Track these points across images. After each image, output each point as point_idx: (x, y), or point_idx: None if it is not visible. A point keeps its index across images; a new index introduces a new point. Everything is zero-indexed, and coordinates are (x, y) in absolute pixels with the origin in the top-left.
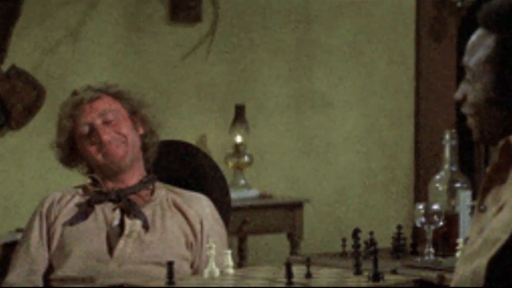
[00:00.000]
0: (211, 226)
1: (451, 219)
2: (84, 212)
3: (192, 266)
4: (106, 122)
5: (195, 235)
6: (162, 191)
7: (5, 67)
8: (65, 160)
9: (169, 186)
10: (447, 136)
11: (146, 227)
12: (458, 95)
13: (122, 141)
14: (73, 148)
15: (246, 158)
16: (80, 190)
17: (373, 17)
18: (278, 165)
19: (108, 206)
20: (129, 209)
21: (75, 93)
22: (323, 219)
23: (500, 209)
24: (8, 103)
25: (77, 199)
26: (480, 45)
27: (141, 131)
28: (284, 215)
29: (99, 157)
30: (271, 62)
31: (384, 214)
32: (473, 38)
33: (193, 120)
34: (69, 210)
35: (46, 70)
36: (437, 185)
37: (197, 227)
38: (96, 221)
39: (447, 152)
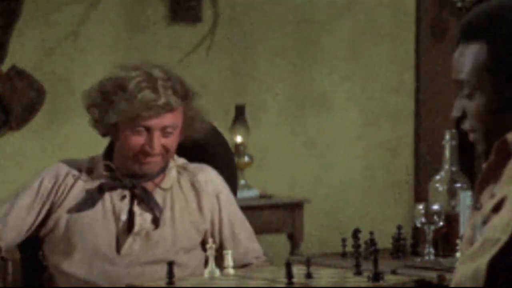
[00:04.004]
0: (226, 200)
1: (451, 219)
2: (91, 199)
3: (220, 246)
4: (163, 132)
5: (212, 220)
6: (173, 173)
7: (5, 67)
8: (92, 116)
9: (178, 163)
10: (447, 137)
11: (156, 223)
12: (456, 112)
13: (163, 154)
14: (104, 123)
15: (246, 158)
16: (86, 167)
17: (373, 17)
18: (278, 165)
19: (116, 193)
20: (143, 199)
21: (148, 81)
22: (323, 219)
23: (497, 206)
24: (9, 103)
25: (85, 181)
26: (470, 57)
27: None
28: (285, 215)
29: (132, 158)
30: (271, 62)
31: (384, 214)
32: (458, 53)
33: None
34: (75, 194)
35: (46, 70)
36: (437, 185)
37: (215, 204)
38: (104, 212)
39: (447, 153)
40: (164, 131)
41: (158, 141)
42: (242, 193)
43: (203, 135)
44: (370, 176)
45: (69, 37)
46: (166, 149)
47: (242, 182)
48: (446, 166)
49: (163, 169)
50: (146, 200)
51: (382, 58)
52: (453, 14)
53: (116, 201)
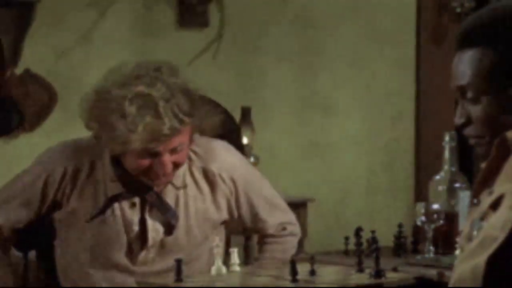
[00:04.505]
0: (242, 178)
1: (451, 218)
2: (100, 207)
3: (243, 228)
4: (172, 152)
5: (229, 207)
6: (184, 166)
7: (19, 71)
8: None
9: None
10: (447, 138)
11: (170, 230)
12: (460, 119)
13: (175, 168)
14: (105, 143)
15: (252, 159)
16: (91, 160)
17: (375, 23)
18: (283, 166)
19: (125, 200)
20: (155, 205)
21: (145, 107)
22: (327, 218)
23: (495, 203)
24: (22, 106)
25: (90, 176)
26: (472, 62)
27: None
28: None
29: (141, 175)
30: (276, 66)
31: (385, 214)
32: (458, 60)
33: None
34: (81, 190)
35: (58, 74)
36: (437, 185)
37: (231, 187)
38: (114, 221)
39: (447, 153)
40: (173, 152)
41: (169, 162)
42: None
43: (214, 132)
44: (372, 176)
45: (81, 41)
46: (177, 164)
47: None
48: (446, 167)
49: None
50: (159, 207)
51: (384, 63)
52: (452, 19)
53: (126, 209)
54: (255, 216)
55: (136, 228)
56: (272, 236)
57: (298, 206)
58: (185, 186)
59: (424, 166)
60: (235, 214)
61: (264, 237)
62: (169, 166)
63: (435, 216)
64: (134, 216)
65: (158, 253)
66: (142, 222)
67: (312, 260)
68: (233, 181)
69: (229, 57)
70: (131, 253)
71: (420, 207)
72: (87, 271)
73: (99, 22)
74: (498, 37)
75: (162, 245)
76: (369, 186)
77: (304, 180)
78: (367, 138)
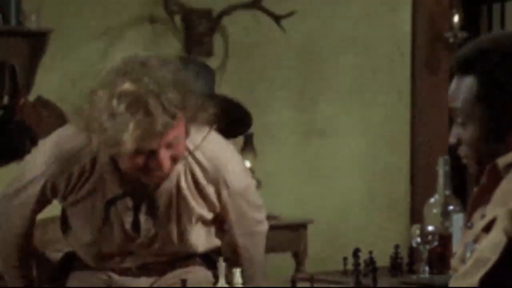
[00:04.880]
0: (235, 186)
1: (445, 240)
2: (98, 212)
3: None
4: (168, 147)
5: (221, 204)
6: (179, 164)
7: (32, 97)
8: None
9: (191, 142)
10: (440, 162)
11: (162, 226)
12: (452, 139)
13: (173, 163)
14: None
15: (254, 182)
16: (89, 158)
17: (372, 52)
18: (284, 189)
19: (120, 202)
20: (148, 207)
21: (132, 108)
22: (326, 239)
23: (487, 226)
24: (35, 131)
25: (89, 174)
26: (464, 88)
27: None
28: (290, 235)
29: (137, 174)
30: (278, 94)
31: (382, 235)
32: (454, 84)
33: None
34: (81, 186)
35: (70, 101)
36: (432, 208)
37: (223, 189)
38: (110, 223)
39: (440, 178)
40: (169, 146)
41: (166, 158)
42: None
43: (211, 122)
44: (370, 199)
45: (91, 70)
46: (174, 158)
47: None
48: (440, 190)
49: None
50: (152, 208)
51: (380, 90)
52: (446, 48)
53: (121, 211)
54: (242, 216)
55: (128, 226)
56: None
57: (298, 227)
58: (178, 185)
59: (419, 189)
60: (222, 211)
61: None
62: (167, 162)
63: (430, 237)
64: (128, 215)
65: (151, 241)
66: (136, 224)
67: (311, 279)
68: (220, 189)
69: (233, 85)
70: (124, 249)
71: (416, 229)
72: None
73: (109, 52)
74: (484, 67)
75: (154, 235)
76: (367, 209)
77: (304, 202)
78: (365, 162)
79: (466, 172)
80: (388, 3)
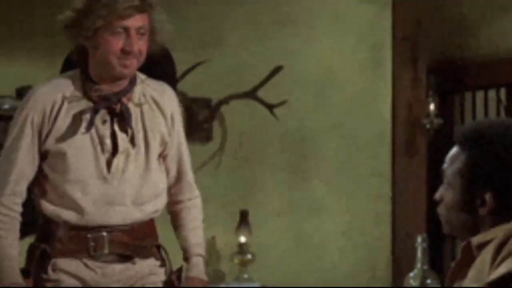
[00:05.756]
0: (178, 121)
1: None
2: (86, 120)
3: (162, 155)
4: (137, 34)
5: (169, 130)
6: (139, 88)
7: None
8: (71, 24)
9: (139, 75)
10: (419, 240)
11: (133, 142)
12: (437, 196)
13: (138, 55)
14: (86, 28)
15: (249, 256)
16: (70, 89)
17: (357, 137)
18: (277, 261)
19: (98, 118)
20: (123, 116)
21: None
22: None
23: None
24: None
25: (72, 104)
26: (455, 158)
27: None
28: None
29: (114, 60)
30: (271, 174)
31: None
32: (451, 151)
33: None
34: (63, 119)
35: None
36: (411, 281)
37: (170, 121)
38: (91, 137)
39: (419, 253)
40: (138, 32)
41: (136, 40)
42: (246, 286)
43: (159, 49)
44: (355, 271)
45: None
46: (140, 51)
47: (245, 276)
48: (419, 265)
49: (134, 83)
50: (126, 116)
51: (364, 171)
52: (423, 134)
53: (99, 125)
54: (179, 159)
55: (108, 141)
56: (189, 199)
57: None
58: (141, 104)
59: (399, 263)
60: (169, 143)
61: (180, 201)
62: (136, 47)
63: None
64: (105, 130)
65: (125, 161)
66: (113, 136)
67: None
68: (172, 120)
69: (230, 167)
70: (105, 162)
71: None
72: (65, 187)
73: None
74: (471, 146)
75: (127, 155)
76: (353, 279)
77: (296, 274)
78: (351, 236)
79: (442, 249)
80: (370, 93)
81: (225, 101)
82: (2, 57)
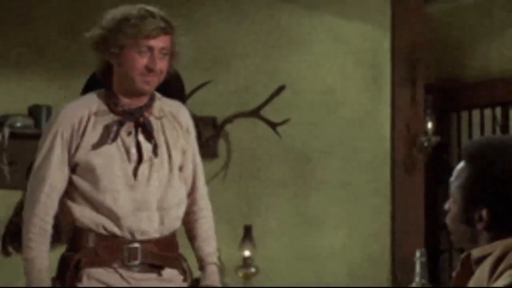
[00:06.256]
0: (193, 134)
1: None
2: (112, 133)
3: (180, 168)
4: (160, 54)
5: (186, 142)
6: (158, 103)
7: None
8: (100, 40)
9: (156, 93)
10: (418, 254)
11: (155, 152)
12: (446, 206)
13: (159, 74)
14: (113, 45)
15: (253, 269)
16: (96, 105)
17: (357, 155)
18: (280, 275)
19: (123, 130)
20: (146, 128)
21: (147, 12)
22: None
23: None
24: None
25: (99, 119)
26: (460, 172)
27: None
28: None
29: (137, 76)
30: (274, 190)
31: None
32: (459, 165)
33: None
34: (90, 133)
35: None
36: None
37: (186, 134)
38: (117, 147)
39: (418, 268)
40: (161, 52)
41: (158, 59)
42: None
43: (174, 72)
44: (356, 285)
45: None
46: (161, 70)
47: None
48: (417, 279)
49: (153, 99)
50: (149, 127)
51: (364, 188)
52: (420, 151)
53: (124, 137)
54: (194, 171)
55: (134, 150)
56: (202, 210)
57: None
58: (161, 117)
59: (399, 277)
60: (185, 155)
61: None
62: (158, 66)
63: None
64: (130, 140)
65: (149, 170)
66: (138, 146)
67: None
68: (188, 133)
69: (234, 183)
70: (132, 171)
71: None
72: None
73: None
74: (475, 161)
75: (151, 163)
76: None
77: (297, 285)
78: (351, 251)
79: (440, 264)
80: (370, 112)
81: (230, 119)
82: (15, 76)
